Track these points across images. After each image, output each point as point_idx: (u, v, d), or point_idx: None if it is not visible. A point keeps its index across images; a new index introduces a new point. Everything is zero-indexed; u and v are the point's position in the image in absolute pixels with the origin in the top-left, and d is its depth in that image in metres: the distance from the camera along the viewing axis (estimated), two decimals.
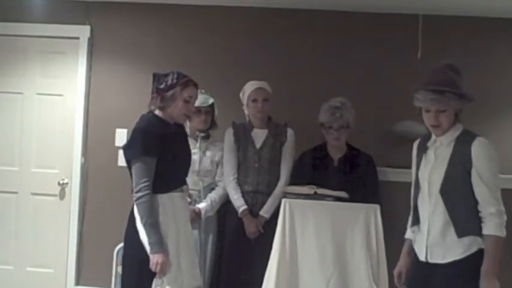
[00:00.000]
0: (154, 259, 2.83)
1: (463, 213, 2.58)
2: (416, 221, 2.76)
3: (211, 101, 3.73)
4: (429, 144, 2.75)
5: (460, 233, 2.57)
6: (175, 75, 3.00)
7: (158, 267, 2.83)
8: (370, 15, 4.27)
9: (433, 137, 2.73)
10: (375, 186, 3.75)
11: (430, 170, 2.68)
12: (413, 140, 4.09)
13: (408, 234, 2.89)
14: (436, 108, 2.62)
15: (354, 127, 3.74)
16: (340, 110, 3.63)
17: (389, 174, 4.06)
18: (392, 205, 3.90)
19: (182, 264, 2.93)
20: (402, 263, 2.90)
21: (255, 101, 3.73)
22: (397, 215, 3.99)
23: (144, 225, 2.86)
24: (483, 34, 4.20)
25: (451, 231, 2.59)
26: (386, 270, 3.26)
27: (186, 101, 3.00)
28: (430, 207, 2.66)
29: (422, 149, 2.78)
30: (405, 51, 4.21)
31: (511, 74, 4.25)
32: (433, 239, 2.64)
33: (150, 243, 2.84)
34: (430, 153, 2.72)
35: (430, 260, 2.65)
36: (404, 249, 2.91)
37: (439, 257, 2.62)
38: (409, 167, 4.07)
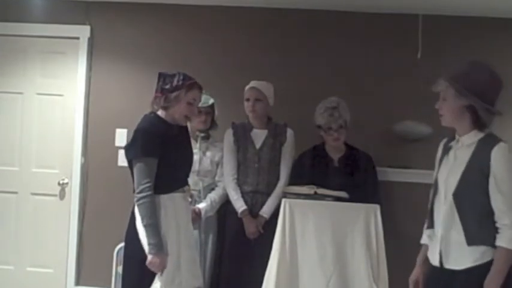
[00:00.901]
0: (153, 260, 2.84)
1: (475, 221, 2.45)
2: (432, 225, 2.64)
3: (211, 101, 3.73)
4: (452, 144, 2.62)
5: (470, 241, 2.44)
6: (181, 77, 3.01)
7: (155, 267, 2.85)
8: (370, 15, 4.26)
9: (457, 137, 2.59)
10: (375, 186, 3.75)
11: (447, 172, 2.56)
12: (413, 140, 4.14)
13: (424, 239, 2.74)
14: (438, 91, 2.56)
15: (351, 126, 3.73)
16: (337, 110, 3.62)
17: (389, 174, 4.06)
18: (392, 205, 3.90)
19: (182, 265, 2.94)
20: (419, 270, 2.72)
21: (247, 100, 3.74)
22: (397, 215, 4.01)
23: (145, 226, 2.86)
24: (483, 34, 4.19)
25: (462, 238, 2.46)
26: (386, 270, 3.27)
27: (189, 103, 3.02)
28: (445, 211, 2.53)
29: (446, 150, 2.65)
30: (405, 51, 4.21)
31: None
32: (446, 244, 2.52)
33: (149, 244, 2.85)
34: (451, 154, 2.59)
35: (446, 266, 2.52)
36: (421, 255, 2.74)
37: (452, 263, 2.50)
38: (409, 167, 4.12)
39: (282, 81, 4.04)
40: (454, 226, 2.48)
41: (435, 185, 2.65)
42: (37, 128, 4.54)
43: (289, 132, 3.77)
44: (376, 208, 3.33)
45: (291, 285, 3.29)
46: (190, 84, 3.01)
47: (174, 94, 2.99)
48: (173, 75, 3.02)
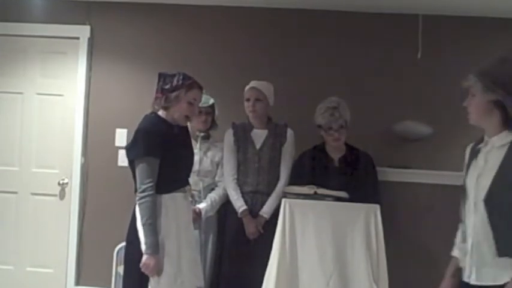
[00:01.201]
0: (147, 260, 2.85)
1: (508, 229, 2.23)
2: (464, 238, 2.45)
3: (211, 101, 3.73)
4: (481, 146, 2.42)
5: (501, 252, 2.23)
6: (181, 77, 3.02)
7: (148, 270, 2.85)
8: (370, 15, 4.26)
9: (485, 138, 2.41)
10: (375, 186, 3.75)
11: (477, 176, 2.36)
12: (413, 140, 4.14)
13: (455, 252, 2.53)
14: (466, 88, 2.41)
15: (351, 126, 3.73)
16: (337, 110, 3.62)
17: (389, 174, 4.06)
18: (392, 205, 3.90)
19: (183, 265, 2.94)
20: (447, 284, 2.52)
21: (247, 100, 3.74)
22: (397, 215, 4.02)
23: (143, 225, 2.87)
24: (483, 34, 4.19)
25: (494, 248, 2.25)
26: (386, 270, 3.26)
27: (190, 103, 3.02)
28: (475, 219, 2.33)
29: (474, 153, 2.45)
30: (405, 51, 4.21)
31: None
32: (477, 256, 2.31)
33: (145, 244, 2.86)
34: (481, 157, 2.39)
35: (478, 282, 2.30)
36: (450, 269, 2.54)
37: (489, 278, 2.27)
38: (409, 167, 4.12)
39: (282, 81, 4.04)
40: (486, 235, 2.28)
41: (464, 192, 2.46)
42: (37, 128, 4.54)
43: (290, 132, 3.77)
44: (376, 208, 3.32)
45: (291, 285, 3.28)
46: (190, 84, 3.02)
47: (174, 94, 2.99)
48: (173, 75, 3.03)
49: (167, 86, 3.01)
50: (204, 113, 3.71)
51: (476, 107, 2.39)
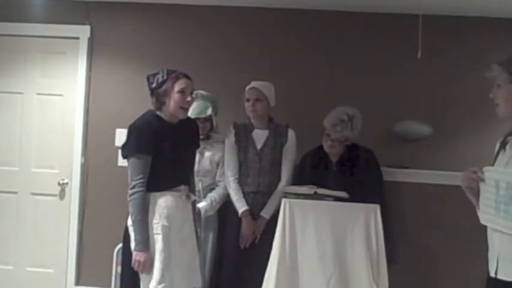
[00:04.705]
0: (137, 257, 2.86)
1: None
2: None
3: (209, 112, 3.69)
4: (509, 138, 2.34)
5: None
6: (165, 72, 3.04)
7: (139, 266, 2.86)
8: (370, 15, 4.26)
9: None
10: (378, 183, 3.75)
11: (505, 163, 2.28)
12: (413, 140, 4.14)
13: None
14: (490, 78, 2.31)
15: (357, 135, 3.69)
16: (342, 125, 3.59)
17: (389, 174, 4.06)
18: (392, 205, 3.90)
19: (173, 264, 2.91)
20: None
21: (247, 100, 3.73)
22: (397, 215, 4.01)
23: (133, 221, 2.89)
24: (483, 34, 4.19)
25: None
26: (386, 270, 3.27)
27: (180, 93, 3.01)
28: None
29: (502, 145, 2.37)
30: (405, 51, 4.20)
31: None
32: (505, 250, 2.21)
33: (135, 240, 2.88)
34: (508, 147, 2.31)
35: (499, 276, 2.21)
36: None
37: (509, 273, 2.18)
38: (409, 167, 4.12)
39: (282, 82, 4.03)
40: None
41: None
42: (37, 128, 4.54)
43: (291, 133, 3.76)
44: (376, 208, 3.33)
45: (291, 285, 3.29)
46: (176, 75, 3.03)
47: (162, 89, 3.01)
48: (156, 73, 3.06)
49: (154, 85, 3.03)
50: (202, 122, 3.68)
51: (504, 97, 2.31)
